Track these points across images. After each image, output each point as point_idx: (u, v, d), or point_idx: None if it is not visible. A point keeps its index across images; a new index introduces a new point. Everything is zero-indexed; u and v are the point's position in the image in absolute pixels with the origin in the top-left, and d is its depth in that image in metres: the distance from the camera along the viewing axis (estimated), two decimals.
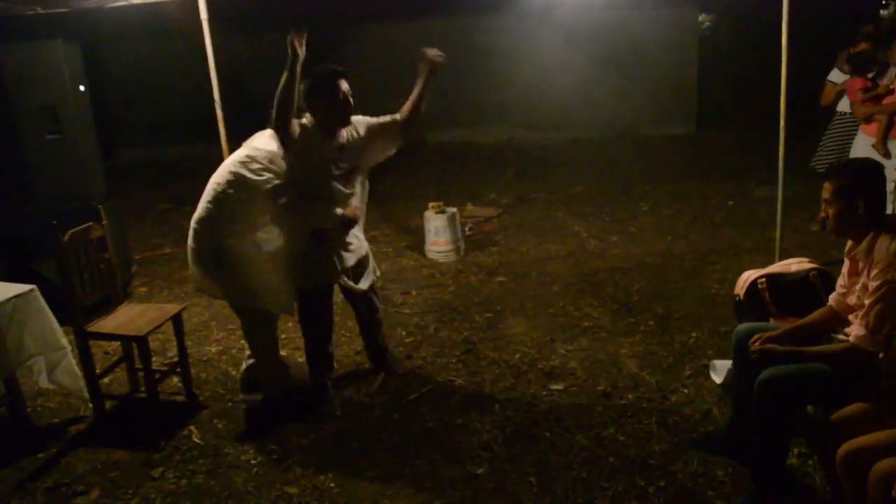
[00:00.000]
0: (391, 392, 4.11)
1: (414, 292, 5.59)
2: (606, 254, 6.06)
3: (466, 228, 6.84)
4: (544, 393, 3.95)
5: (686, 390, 3.88)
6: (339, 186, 3.79)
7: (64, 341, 3.87)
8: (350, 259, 3.92)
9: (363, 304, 4.25)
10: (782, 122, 4.75)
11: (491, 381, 4.14)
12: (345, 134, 3.78)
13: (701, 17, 12.20)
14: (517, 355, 4.42)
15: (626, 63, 11.01)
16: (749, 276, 3.81)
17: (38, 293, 3.82)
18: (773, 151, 4.83)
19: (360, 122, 3.92)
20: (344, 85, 3.68)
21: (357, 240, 4.00)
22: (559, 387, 4.01)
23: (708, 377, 3.97)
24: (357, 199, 3.97)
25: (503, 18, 11.18)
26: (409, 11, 10.96)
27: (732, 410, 3.31)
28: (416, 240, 6.61)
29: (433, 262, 6.20)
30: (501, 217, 7.34)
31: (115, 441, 3.82)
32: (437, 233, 6.21)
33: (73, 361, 3.92)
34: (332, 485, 3.32)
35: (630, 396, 3.86)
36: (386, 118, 4.00)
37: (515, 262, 6.03)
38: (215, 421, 3.99)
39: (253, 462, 3.56)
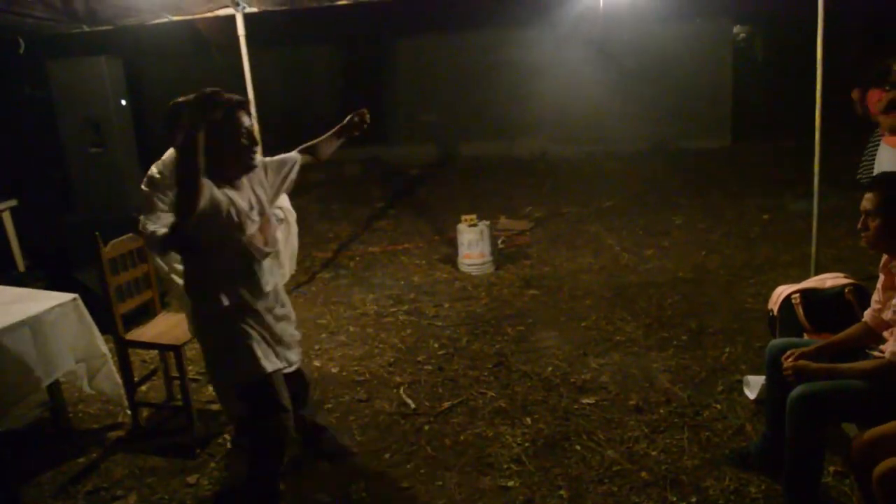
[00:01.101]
0: (423, 404, 4.14)
1: (446, 305, 5.62)
2: (639, 268, 6.04)
3: (499, 241, 6.86)
4: (576, 406, 3.95)
5: (719, 406, 3.85)
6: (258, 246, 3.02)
7: (104, 349, 3.95)
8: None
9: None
10: (818, 135, 4.70)
11: (522, 394, 4.14)
12: (245, 181, 2.95)
13: (736, 29, 12.12)
14: (549, 368, 4.42)
15: (660, 76, 10.98)
16: (783, 291, 3.78)
17: (80, 302, 3.91)
18: (810, 164, 4.79)
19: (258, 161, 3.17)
20: (246, 119, 2.86)
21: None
22: (591, 401, 4.00)
23: (741, 393, 3.94)
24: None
25: (536, 32, 11.22)
26: (442, 26, 11.04)
27: (766, 427, 3.28)
28: (450, 252, 6.64)
29: (466, 275, 6.23)
30: (534, 230, 7.35)
31: (151, 448, 3.90)
32: (470, 246, 6.23)
33: (114, 369, 4.00)
34: (365, 494, 3.35)
35: (662, 411, 3.84)
36: (285, 156, 3.24)
37: (548, 276, 6.04)
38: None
39: (286, 470, 3.61)
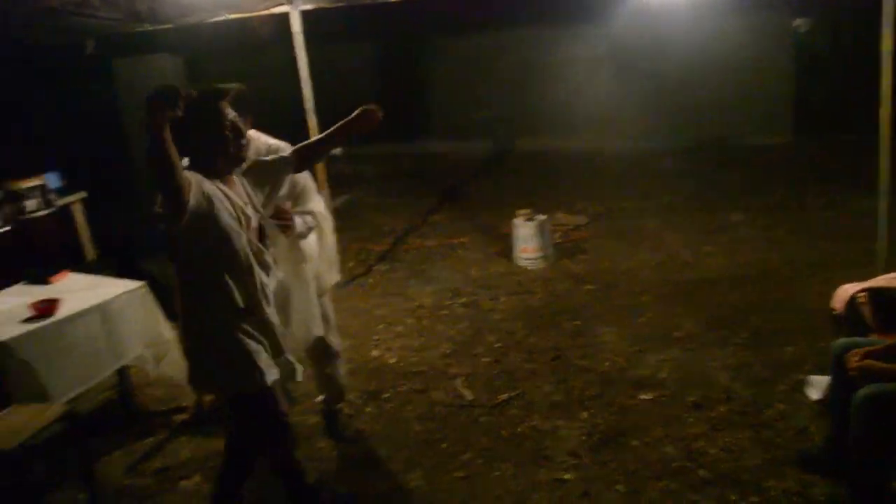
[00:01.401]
0: (479, 396, 4.16)
1: (503, 298, 5.63)
2: (699, 264, 5.95)
3: (556, 236, 6.84)
4: (633, 402, 3.93)
5: (781, 405, 3.78)
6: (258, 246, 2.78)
7: (170, 335, 4.07)
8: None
9: None
10: (886, 129, 4.55)
11: (579, 388, 4.14)
12: (237, 179, 2.78)
13: (797, 22, 11.81)
14: (606, 363, 4.40)
15: (718, 70, 10.77)
16: (848, 289, 3.69)
17: (147, 289, 4.04)
18: (875, 159, 4.65)
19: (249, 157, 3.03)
20: (229, 111, 2.68)
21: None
22: (648, 396, 3.97)
23: (804, 393, 3.87)
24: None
25: (592, 28, 11.12)
26: (493, 23, 11.01)
27: (830, 428, 3.22)
28: (506, 246, 6.64)
29: (522, 269, 6.22)
30: (591, 225, 7.30)
31: (214, 431, 4.00)
32: (527, 240, 6.23)
33: (179, 355, 4.12)
34: (422, 483, 3.39)
35: (722, 409, 3.79)
36: (276, 156, 3.03)
37: (605, 271, 6.00)
38: (308, 416, 4.12)
39: (344, 456, 3.68)
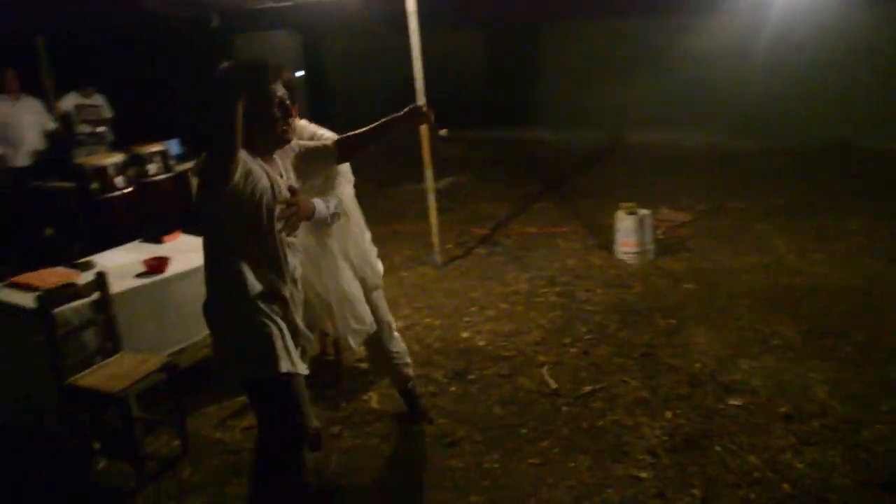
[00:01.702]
0: (564, 386, 4.16)
1: (599, 290, 5.58)
2: (806, 271, 5.71)
3: (658, 232, 6.70)
4: (721, 406, 3.84)
5: (881, 426, 3.60)
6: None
7: None
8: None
9: None
10: None
11: (667, 387, 4.07)
12: (278, 160, 2.76)
13: None
14: (697, 365, 4.31)
15: (848, 68, 10.20)
16: None
17: None
18: None
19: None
20: (281, 89, 2.64)
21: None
22: (738, 402, 3.87)
23: None
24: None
25: (713, 19, 10.73)
26: (613, 9, 10.79)
27: None
28: (606, 239, 6.56)
29: (621, 263, 6.14)
30: (696, 223, 7.10)
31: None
32: (628, 234, 6.13)
33: None
34: (496, 465, 3.44)
35: (815, 423, 3.65)
36: (319, 143, 3.07)
37: (706, 270, 5.84)
38: (394, 390, 4.22)
39: (424, 433, 3.77)
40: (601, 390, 4.08)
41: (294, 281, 2.74)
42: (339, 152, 2.98)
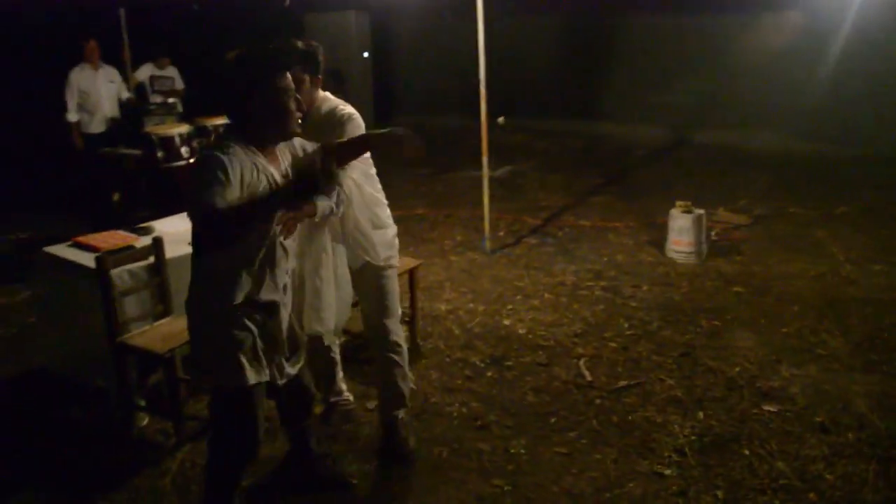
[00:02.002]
0: (599, 379, 4.18)
1: (645, 287, 5.56)
2: (862, 282, 5.57)
3: (713, 233, 6.62)
4: (755, 411, 3.81)
5: None
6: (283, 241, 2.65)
7: None
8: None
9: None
10: None
11: (702, 388, 4.06)
12: (279, 153, 2.64)
13: None
14: (737, 369, 4.27)
15: None
16: None
17: None
18: None
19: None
20: (289, 82, 2.53)
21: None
22: (773, 408, 3.83)
23: None
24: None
25: (787, 18, 10.44)
26: (685, 7, 10.59)
27: None
28: (659, 237, 6.52)
29: (671, 261, 6.09)
30: (753, 226, 6.99)
31: (352, 372, 4.28)
32: (680, 232, 6.08)
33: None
34: (523, 451, 3.50)
35: (850, 436, 3.59)
36: (308, 153, 2.77)
37: (757, 275, 5.75)
38: (431, 371, 4.33)
39: (455, 414, 3.84)
40: (636, 386, 4.09)
41: (284, 287, 2.66)
42: (323, 159, 2.75)
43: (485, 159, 6.38)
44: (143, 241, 4.07)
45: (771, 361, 4.36)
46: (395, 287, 3.54)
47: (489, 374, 4.30)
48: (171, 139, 6.81)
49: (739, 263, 6.03)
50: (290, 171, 2.63)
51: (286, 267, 2.66)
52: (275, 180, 2.51)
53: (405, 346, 3.56)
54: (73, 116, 7.77)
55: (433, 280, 5.80)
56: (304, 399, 3.07)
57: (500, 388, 4.12)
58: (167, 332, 3.67)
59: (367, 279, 3.41)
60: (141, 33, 8.76)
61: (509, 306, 5.28)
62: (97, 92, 7.98)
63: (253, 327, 2.55)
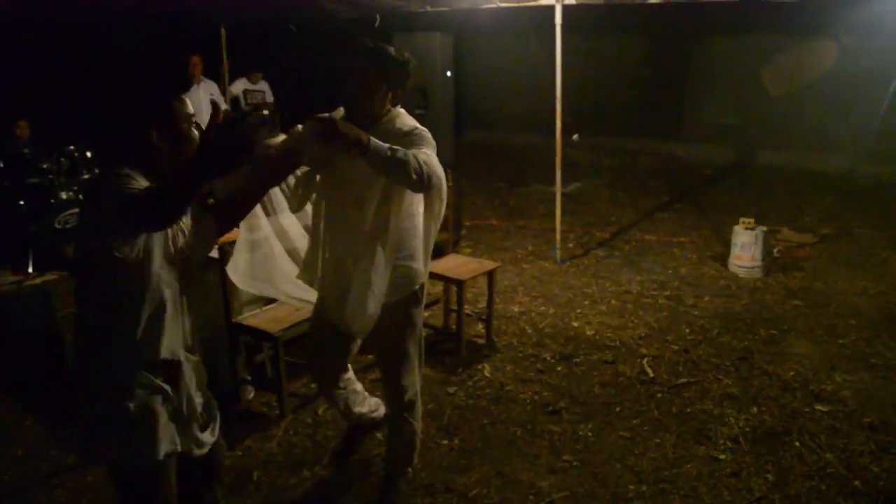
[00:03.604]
0: (661, 376, 4.53)
1: (706, 298, 5.87)
2: None
3: (776, 250, 6.87)
4: (807, 410, 4.10)
5: None
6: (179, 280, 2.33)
7: None
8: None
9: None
10: None
11: (757, 387, 4.37)
12: None
13: None
14: (791, 373, 4.56)
15: None
16: None
17: None
18: None
19: None
20: (186, 109, 2.26)
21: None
22: (824, 408, 4.12)
23: None
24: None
25: (867, 39, 10.50)
26: (756, 28, 10.76)
27: None
28: (722, 252, 6.81)
29: (733, 275, 6.38)
30: (817, 245, 7.20)
31: (425, 360, 4.71)
32: (743, 248, 6.36)
33: None
34: (590, 433, 3.88)
35: None
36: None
37: (817, 290, 6.00)
38: (506, 364, 4.73)
39: (528, 401, 4.24)
40: (695, 383, 4.43)
41: (190, 344, 2.40)
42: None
43: (558, 174, 6.78)
44: None
45: (825, 368, 4.63)
46: (417, 327, 3.17)
47: (559, 368, 4.68)
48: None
49: (800, 279, 6.28)
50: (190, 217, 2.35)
51: (187, 320, 2.37)
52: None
53: (419, 403, 3.29)
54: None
55: (507, 284, 6.21)
56: (216, 461, 2.62)
57: (569, 380, 4.50)
58: (276, 315, 4.17)
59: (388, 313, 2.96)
60: (236, 49, 9.46)
61: (578, 310, 5.65)
62: (198, 104, 8.66)
63: (155, 393, 2.25)
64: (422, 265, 3.02)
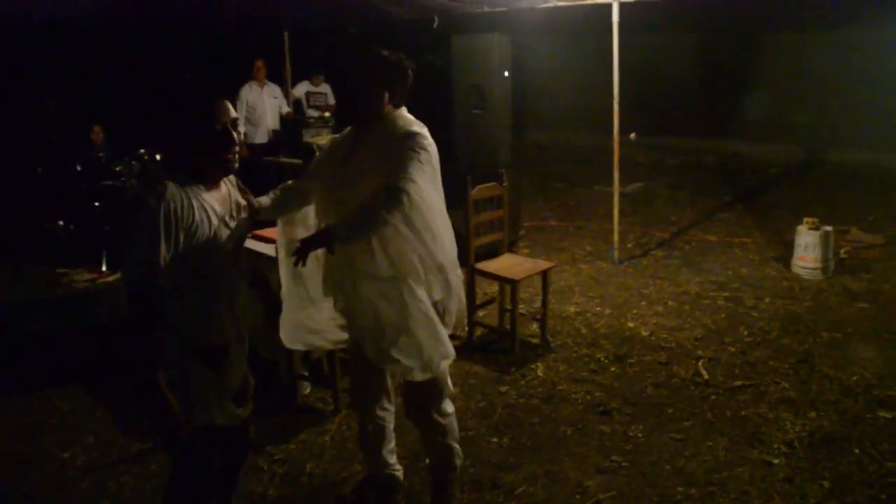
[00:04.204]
0: (716, 378, 4.46)
1: (767, 299, 5.74)
2: None
3: (842, 251, 6.68)
4: (868, 416, 3.99)
5: None
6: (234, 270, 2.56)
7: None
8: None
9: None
10: None
11: (817, 391, 4.26)
12: (223, 184, 2.54)
13: None
14: (854, 377, 4.43)
15: None
16: None
17: None
18: None
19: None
20: (229, 111, 2.42)
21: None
22: (888, 415, 3.99)
23: None
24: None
25: None
26: (825, 22, 10.46)
27: None
28: (786, 253, 6.65)
29: (796, 276, 6.23)
30: (887, 247, 6.97)
31: (477, 359, 4.77)
32: (806, 248, 6.20)
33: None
34: (640, 435, 3.85)
35: None
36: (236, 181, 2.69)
37: (885, 293, 5.81)
38: (559, 364, 4.73)
39: (580, 401, 4.23)
40: (751, 386, 4.34)
41: (239, 333, 2.59)
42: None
43: (616, 174, 6.72)
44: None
45: (891, 373, 4.49)
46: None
47: (612, 368, 4.66)
48: None
49: (867, 281, 6.09)
50: (237, 204, 2.55)
51: (235, 310, 2.54)
52: (218, 216, 2.42)
53: (457, 444, 3.17)
54: (240, 128, 8.69)
55: (563, 285, 6.20)
56: (246, 443, 2.87)
57: (621, 381, 4.48)
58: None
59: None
60: (299, 52, 9.65)
61: (634, 311, 5.60)
62: (262, 106, 8.92)
63: (200, 371, 2.44)
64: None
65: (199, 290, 2.39)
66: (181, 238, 2.29)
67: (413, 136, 2.75)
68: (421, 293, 2.77)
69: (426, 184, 2.71)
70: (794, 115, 11.34)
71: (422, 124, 2.86)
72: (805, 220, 6.31)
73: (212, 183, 2.44)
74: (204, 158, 2.39)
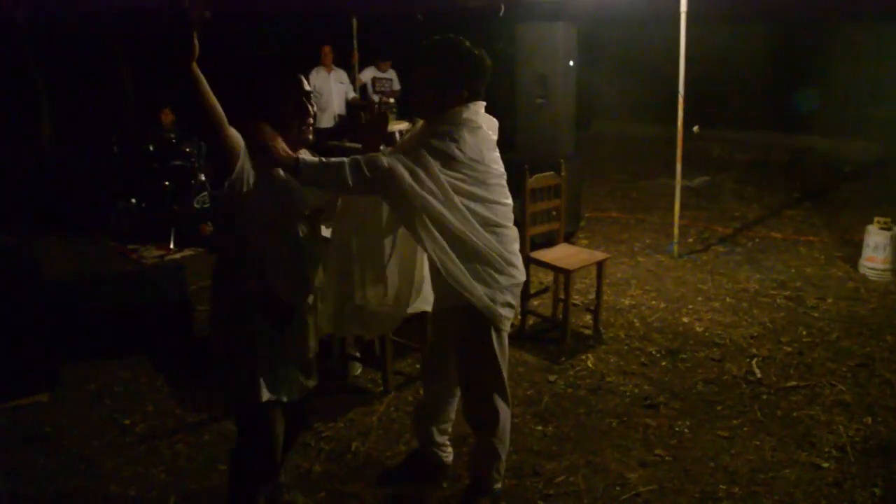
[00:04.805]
0: (769, 377, 4.39)
1: (830, 300, 5.60)
2: None
3: None
4: None
5: None
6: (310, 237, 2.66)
7: None
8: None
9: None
10: None
11: (875, 396, 4.15)
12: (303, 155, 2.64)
13: None
14: None
15: None
16: None
17: None
18: None
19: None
20: (302, 86, 2.58)
21: None
22: None
23: None
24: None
25: None
26: None
27: None
28: (854, 253, 6.46)
29: (862, 277, 6.05)
30: None
31: (528, 347, 4.79)
32: (876, 249, 6.01)
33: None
34: (686, 430, 3.82)
35: None
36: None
37: None
38: (610, 356, 4.72)
39: (628, 393, 4.22)
40: (805, 388, 4.26)
41: (310, 291, 2.66)
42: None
43: (678, 167, 6.62)
44: None
45: None
46: (502, 349, 2.96)
47: (663, 363, 4.62)
48: (391, 134, 7.62)
49: None
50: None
51: (311, 270, 2.65)
52: (294, 184, 2.53)
53: (508, 426, 3.08)
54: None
55: (620, 277, 6.16)
56: (301, 415, 2.99)
57: (672, 375, 4.44)
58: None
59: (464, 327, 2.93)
60: (367, 38, 9.77)
61: (690, 306, 5.53)
62: (329, 91, 9.05)
63: (268, 340, 2.52)
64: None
65: (273, 247, 2.48)
66: (283, 194, 2.45)
67: (438, 132, 2.70)
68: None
69: (426, 174, 2.63)
70: (871, 109, 10.94)
71: (490, 118, 2.86)
72: (876, 219, 6.11)
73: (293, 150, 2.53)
74: (281, 131, 2.49)
